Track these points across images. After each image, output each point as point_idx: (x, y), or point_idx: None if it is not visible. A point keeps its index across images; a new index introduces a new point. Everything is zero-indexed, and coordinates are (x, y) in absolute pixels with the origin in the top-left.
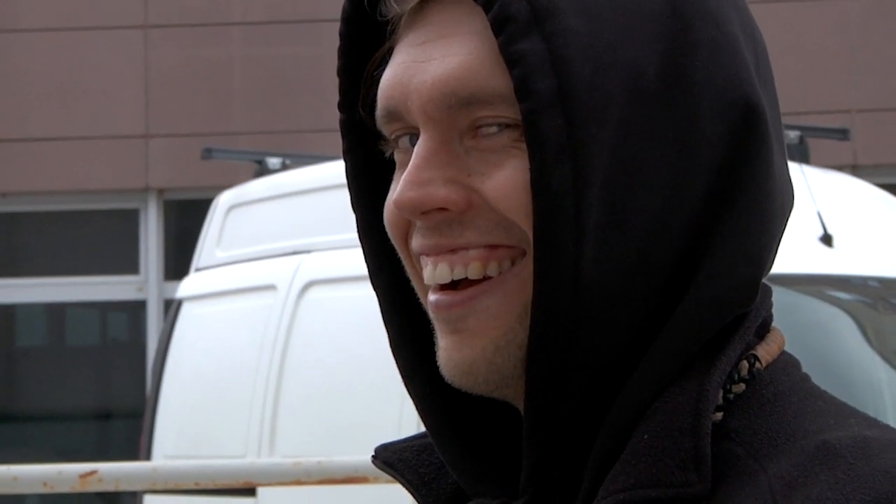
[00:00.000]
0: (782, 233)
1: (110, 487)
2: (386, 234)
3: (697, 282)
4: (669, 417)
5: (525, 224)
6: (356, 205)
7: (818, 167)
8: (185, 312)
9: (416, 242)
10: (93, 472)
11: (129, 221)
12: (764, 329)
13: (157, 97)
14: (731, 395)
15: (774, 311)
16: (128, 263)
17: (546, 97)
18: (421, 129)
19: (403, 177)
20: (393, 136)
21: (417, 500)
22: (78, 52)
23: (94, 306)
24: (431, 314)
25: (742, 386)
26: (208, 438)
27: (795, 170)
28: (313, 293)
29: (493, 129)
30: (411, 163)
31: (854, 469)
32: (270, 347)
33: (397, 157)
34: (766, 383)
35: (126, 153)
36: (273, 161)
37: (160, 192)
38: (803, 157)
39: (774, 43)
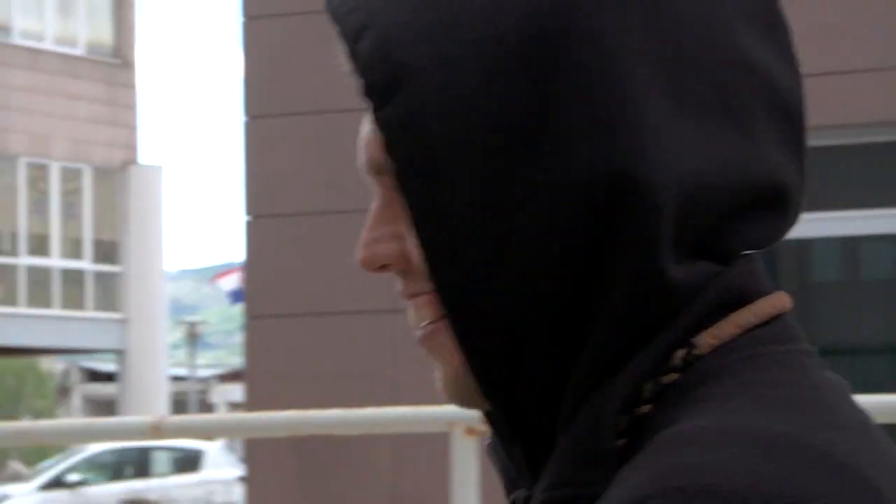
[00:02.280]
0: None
1: None
2: None
3: (598, 303)
4: (584, 419)
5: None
6: None
7: None
8: None
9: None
10: None
11: None
12: (732, 305)
13: None
14: (660, 388)
15: None
16: None
17: (405, 159)
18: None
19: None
20: None
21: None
22: None
23: (890, 239)
24: None
25: (674, 375)
26: None
27: None
28: None
29: None
30: (367, 221)
31: (658, 464)
32: None
33: None
34: (698, 371)
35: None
36: None
37: None
38: None
39: None
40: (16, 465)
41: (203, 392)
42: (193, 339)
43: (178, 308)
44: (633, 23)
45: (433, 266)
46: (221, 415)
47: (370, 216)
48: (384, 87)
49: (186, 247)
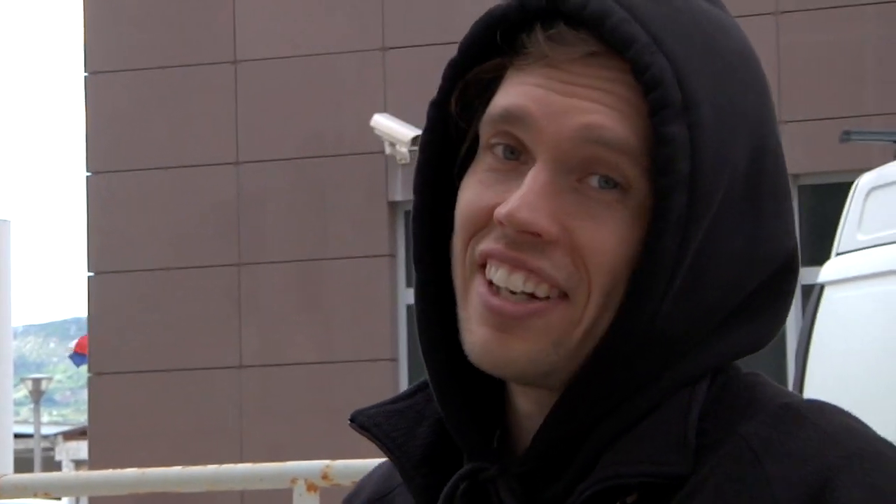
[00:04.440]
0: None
1: None
2: (433, 222)
3: (720, 344)
4: (665, 413)
5: (598, 278)
6: (419, 190)
7: None
8: (828, 297)
9: (492, 247)
10: None
11: None
12: None
13: (790, 82)
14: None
15: None
16: None
17: (682, 177)
18: (539, 157)
19: (519, 196)
20: (492, 140)
21: (390, 459)
22: None
23: None
24: (479, 306)
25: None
26: None
27: None
28: None
29: (602, 183)
30: (528, 186)
31: (819, 427)
32: None
33: (488, 159)
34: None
35: None
36: None
37: (795, 177)
38: None
39: None
40: None
41: (49, 450)
42: (38, 395)
43: (23, 364)
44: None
45: (656, 268)
46: (62, 473)
47: (536, 182)
48: (678, 106)
49: (32, 302)
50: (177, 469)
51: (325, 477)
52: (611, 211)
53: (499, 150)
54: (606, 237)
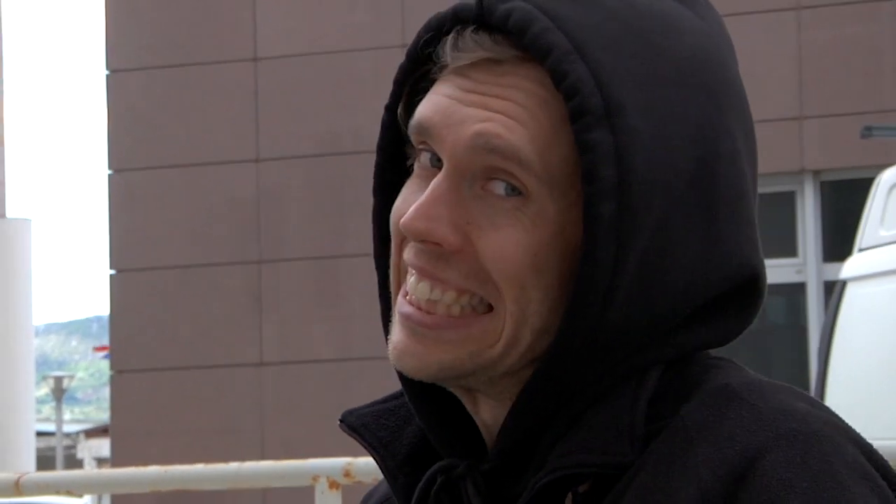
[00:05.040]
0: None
1: None
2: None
3: (677, 339)
4: (614, 402)
5: (504, 285)
6: (376, 192)
7: None
8: (850, 293)
9: (409, 255)
10: None
11: (785, 204)
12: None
13: (811, 78)
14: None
15: None
16: (786, 246)
17: (608, 184)
18: (444, 166)
19: (416, 205)
20: (418, 147)
21: (376, 461)
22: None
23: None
24: (398, 313)
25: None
26: (882, 422)
27: None
28: None
29: (509, 190)
30: (426, 195)
31: (754, 408)
32: None
33: (416, 166)
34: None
35: (780, 136)
36: None
37: (816, 173)
38: None
39: None
40: None
41: (70, 448)
42: (60, 394)
43: (44, 362)
44: (745, 148)
45: (593, 278)
46: (83, 471)
47: (433, 192)
48: (599, 113)
49: (54, 300)
50: (199, 466)
51: (347, 474)
52: (509, 218)
53: (425, 158)
54: (505, 245)
